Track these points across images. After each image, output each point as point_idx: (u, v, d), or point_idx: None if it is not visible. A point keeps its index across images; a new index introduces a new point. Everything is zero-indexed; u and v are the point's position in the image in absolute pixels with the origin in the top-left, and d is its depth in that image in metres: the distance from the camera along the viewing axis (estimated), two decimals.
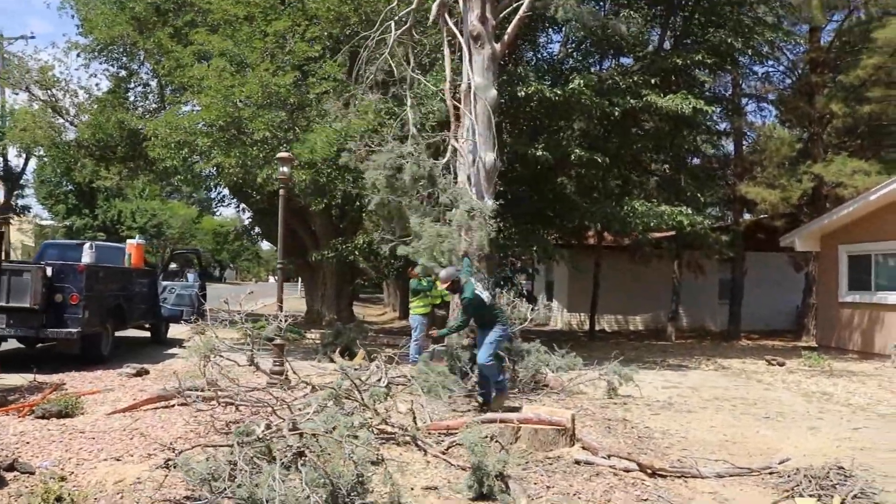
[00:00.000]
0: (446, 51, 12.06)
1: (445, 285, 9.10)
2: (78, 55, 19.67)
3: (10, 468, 5.63)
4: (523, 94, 15.27)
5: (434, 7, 12.24)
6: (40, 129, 19.16)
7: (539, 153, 15.65)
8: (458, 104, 11.74)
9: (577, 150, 16.30)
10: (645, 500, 5.84)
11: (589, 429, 8.22)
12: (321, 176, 14.16)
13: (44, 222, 53.74)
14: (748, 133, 25.33)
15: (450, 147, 11.45)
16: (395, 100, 13.47)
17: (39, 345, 12.96)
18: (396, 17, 12.54)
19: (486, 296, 8.91)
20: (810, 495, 6.00)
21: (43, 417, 7.72)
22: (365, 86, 12.86)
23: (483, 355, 8.76)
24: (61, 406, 7.96)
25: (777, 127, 23.16)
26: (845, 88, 20.92)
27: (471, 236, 10.28)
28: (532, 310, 11.42)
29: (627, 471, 6.50)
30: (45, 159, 23.19)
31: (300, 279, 37.62)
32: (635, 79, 17.08)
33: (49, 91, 19.83)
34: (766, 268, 25.08)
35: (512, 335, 10.68)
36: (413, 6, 12.36)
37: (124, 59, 20.13)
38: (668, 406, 10.35)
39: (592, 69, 17.98)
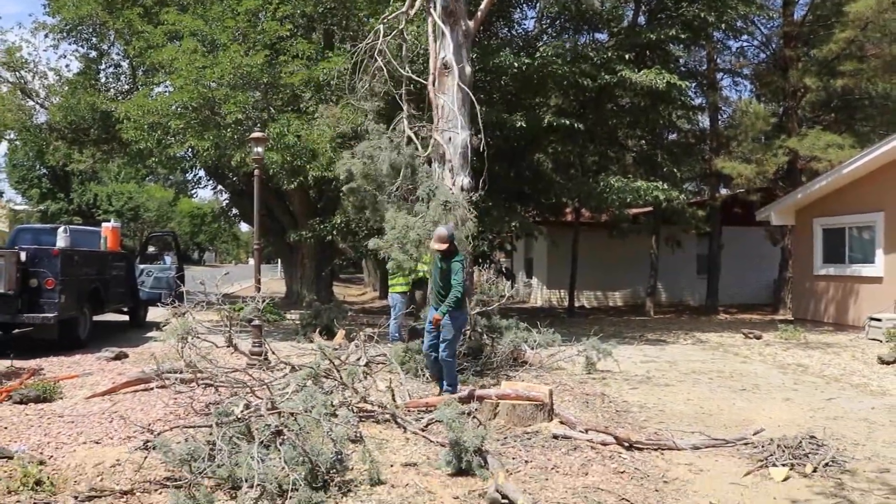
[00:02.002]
0: (431, 45, 11.87)
1: (443, 246, 8.07)
2: (46, 36, 19.32)
3: None
4: (494, 64, 15.23)
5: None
6: (10, 113, 18.84)
7: (517, 123, 15.64)
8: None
9: (553, 119, 16.31)
10: (622, 472, 5.92)
11: (567, 404, 8.31)
12: (297, 158, 14.04)
13: (17, 207, 53.12)
14: (723, 108, 25.51)
15: (432, 141, 11.29)
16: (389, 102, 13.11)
17: (16, 330, 12.85)
18: (384, 21, 12.32)
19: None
20: (783, 464, 6.12)
21: (21, 402, 7.68)
22: (361, 93, 12.46)
23: (447, 351, 8.15)
24: (39, 391, 7.92)
25: (752, 102, 23.32)
26: (818, 62, 21.07)
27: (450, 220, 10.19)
28: (511, 287, 11.48)
29: (605, 444, 6.58)
30: (17, 143, 22.86)
31: (279, 260, 37.48)
32: (610, 54, 17.10)
33: (17, 73, 19.47)
34: (742, 242, 25.31)
35: (491, 313, 10.74)
36: (404, 8, 12.14)
37: (94, 39, 19.76)
38: (645, 380, 10.46)
39: (567, 45, 17.93)
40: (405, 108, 11.59)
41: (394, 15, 12.19)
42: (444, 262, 8.14)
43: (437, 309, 8.22)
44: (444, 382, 8.31)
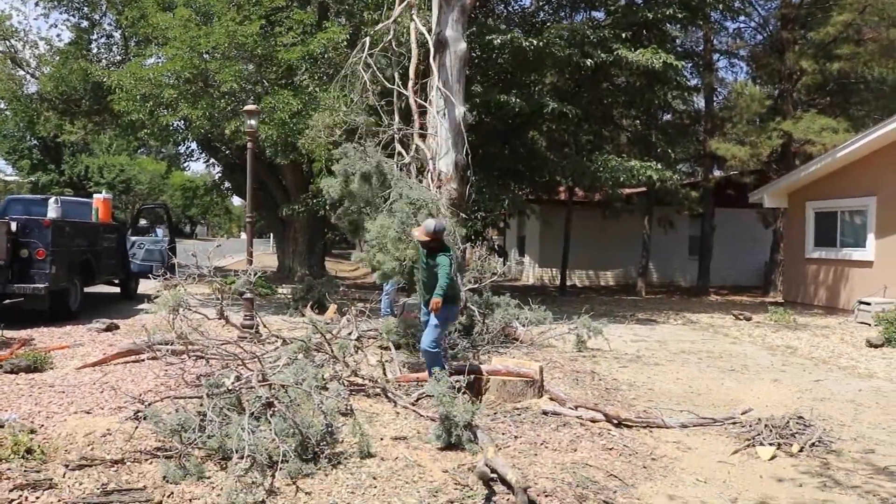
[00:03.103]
0: (414, 50, 11.63)
1: (425, 238, 7.44)
2: (36, 4, 19.15)
3: None
4: (499, 41, 15.12)
5: (398, 8, 11.88)
6: (0, 82, 18.68)
7: (512, 101, 15.59)
8: (420, 102, 11.31)
9: (549, 101, 16.26)
10: (611, 449, 5.96)
11: (557, 381, 8.34)
12: (290, 135, 13.95)
13: (8, 178, 52.69)
14: (719, 89, 25.47)
15: (413, 146, 10.99)
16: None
17: (7, 301, 12.80)
18: (372, 32, 12.05)
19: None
20: (770, 444, 6.17)
21: (11, 372, 7.66)
22: (354, 108, 11.99)
23: (427, 339, 7.34)
24: (30, 361, 7.90)
25: (748, 83, 23.25)
26: (815, 45, 21.01)
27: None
28: (503, 264, 11.48)
29: (594, 421, 6.62)
30: (7, 113, 22.60)
31: (271, 234, 37.40)
32: (606, 32, 17.02)
33: (7, 42, 19.27)
34: (735, 224, 25.37)
35: (483, 289, 10.74)
36: (392, 21, 11.88)
37: (86, 8, 19.57)
38: (635, 359, 10.52)
39: (564, 22, 17.84)
40: (396, 118, 11.31)
41: (381, 25, 11.96)
42: (430, 258, 7.49)
43: (425, 305, 7.69)
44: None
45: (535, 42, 15.29)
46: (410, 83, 11.39)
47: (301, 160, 15.02)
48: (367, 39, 11.87)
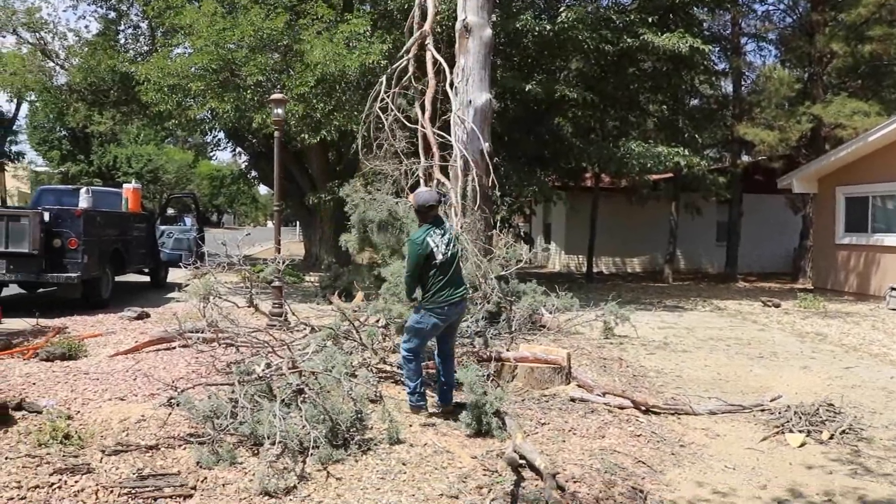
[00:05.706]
0: (431, 81, 11.46)
1: (415, 205, 6.22)
2: None
3: (19, 407, 5.73)
4: (514, 28, 15.06)
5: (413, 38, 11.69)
6: (30, 73, 18.88)
7: (532, 88, 15.53)
8: (440, 133, 10.91)
9: (569, 91, 16.17)
10: (639, 435, 5.97)
11: (585, 368, 8.34)
12: (315, 111, 13.98)
13: (38, 168, 53.48)
14: (747, 73, 25.08)
15: (435, 179, 10.57)
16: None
17: (40, 290, 13.01)
18: (389, 72, 11.88)
19: (441, 251, 5.98)
20: (800, 431, 6.15)
21: (47, 360, 7.82)
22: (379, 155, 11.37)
23: (403, 345, 6.28)
24: (65, 349, 8.05)
25: (777, 67, 22.91)
26: (846, 27, 20.63)
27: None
28: (529, 251, 11.45)
29: (622, 408, 6.63)
30: (37, 104, 22.86)
31: (298, 223, 37.62)
32: (632, 17, 16.87)
33: (37, 34, 19.48)
34: (763, 210, 25.09)
35: (509, 276, 10.70)
36: (411, 55, 11.72)
37: (113, 0, 19.76)
38: (663, 346, 10.49)
39: (589, 7, 17.70)
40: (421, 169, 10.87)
41: (399, 64, 11.80)
42: None
43: None
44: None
45: (550, 27, 15.20)
46: (427, 114, 10.99)
47: (331, 138, 14.96)
48: (384, 79, 11.65)
